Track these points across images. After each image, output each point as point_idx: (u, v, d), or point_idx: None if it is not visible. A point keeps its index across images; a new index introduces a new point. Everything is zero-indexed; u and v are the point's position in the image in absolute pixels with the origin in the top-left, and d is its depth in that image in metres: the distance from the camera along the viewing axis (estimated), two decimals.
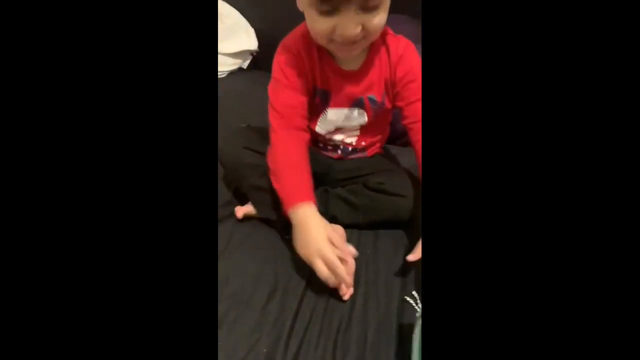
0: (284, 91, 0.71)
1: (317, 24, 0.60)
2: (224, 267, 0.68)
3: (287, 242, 0.73)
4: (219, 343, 0.56)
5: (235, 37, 1.32)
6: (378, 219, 0.77)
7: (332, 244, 0.61)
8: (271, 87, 0.73)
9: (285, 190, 0.68)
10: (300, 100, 0.72)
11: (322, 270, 0.60)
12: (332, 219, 0.77)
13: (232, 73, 1.37)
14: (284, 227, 0.74)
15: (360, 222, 0.78)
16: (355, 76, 0.72)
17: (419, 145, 0.70)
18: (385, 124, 0.84)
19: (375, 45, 0.70)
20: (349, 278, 0.64)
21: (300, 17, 0.65)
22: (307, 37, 0.69)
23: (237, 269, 0.69)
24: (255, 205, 0.78)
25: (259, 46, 1.37)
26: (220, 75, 1.34)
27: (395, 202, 0.76)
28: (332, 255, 0.60)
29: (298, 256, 0.65)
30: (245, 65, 1.40)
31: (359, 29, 0.59)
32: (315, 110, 0.76)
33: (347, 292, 0.65)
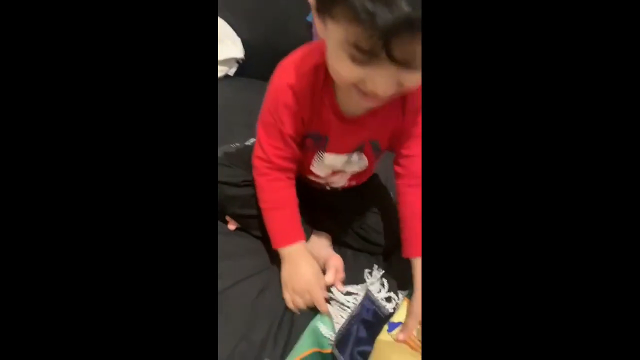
0: (276, 137, 0.64)
1: (345, 70, 0.47)
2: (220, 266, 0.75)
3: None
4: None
5: (223, 46, 1.41)
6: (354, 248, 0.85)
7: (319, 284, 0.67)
8: (262, 124, 0.66)
9: (275, 231, 0.71)
10: (290, 147, 0.66)
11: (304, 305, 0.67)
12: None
13: (219, 80, 1.45)
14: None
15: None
16: (360, 122, 0.63)
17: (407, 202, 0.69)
18: (374, 165, 0.79)
19: None
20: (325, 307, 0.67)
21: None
22: (316, 74, 0.58)
23: (230, 269, 0.76)
24: (241, 225, 0.83)
25: (245, 54, 1.46)
26: None
27: (372, 248, 0.83)
28: (319, 296, 0.66)
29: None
30: (231, 72, 1.49)
31: (394, 90, 0.48)
32: (306, 150, 0.69)
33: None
